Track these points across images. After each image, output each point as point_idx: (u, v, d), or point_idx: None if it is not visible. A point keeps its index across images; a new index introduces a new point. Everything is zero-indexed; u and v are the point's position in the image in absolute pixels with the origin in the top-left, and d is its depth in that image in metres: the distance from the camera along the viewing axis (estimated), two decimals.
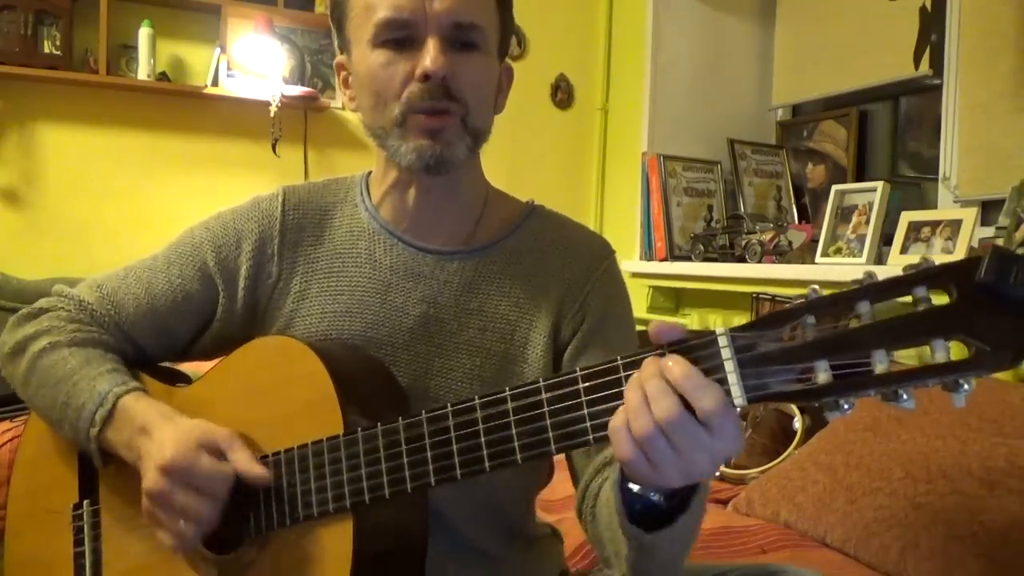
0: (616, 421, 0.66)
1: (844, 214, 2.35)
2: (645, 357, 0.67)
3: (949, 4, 2.32)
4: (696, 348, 0.65)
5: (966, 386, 0.55)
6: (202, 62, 2.82)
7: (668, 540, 0.74)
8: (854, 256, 2.25)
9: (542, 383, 0.72)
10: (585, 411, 0.70)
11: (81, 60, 2.66)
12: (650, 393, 0.64)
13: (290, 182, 1.06)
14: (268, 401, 0.87)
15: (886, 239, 2.22)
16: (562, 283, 0.97)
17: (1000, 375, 1.66)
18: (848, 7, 2.71)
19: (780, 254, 2.45)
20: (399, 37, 0.88)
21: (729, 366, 0.63)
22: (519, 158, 3.09)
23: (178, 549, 0.83)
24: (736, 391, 0.63)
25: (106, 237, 2.72)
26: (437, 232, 0.98)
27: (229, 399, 0.90)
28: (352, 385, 0.84)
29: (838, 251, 2.32)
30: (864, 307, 0.58)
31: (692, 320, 2.91)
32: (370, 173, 1.04)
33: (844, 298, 0.59)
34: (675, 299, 3.05)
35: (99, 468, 0.93)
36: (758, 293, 2.36)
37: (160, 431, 0.84)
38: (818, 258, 2.35)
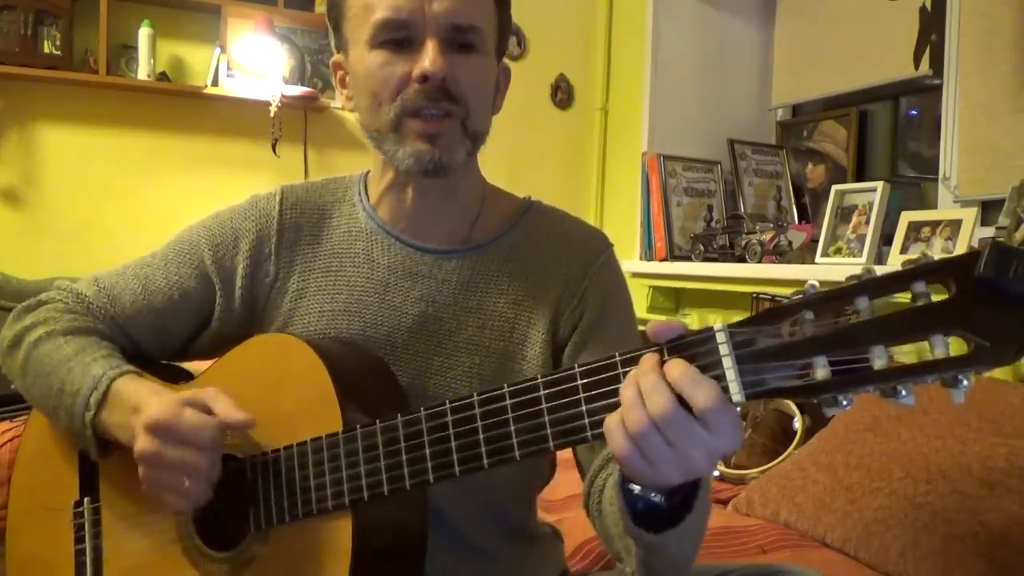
0: (612, 418, 0.66)
1: (844, 214, 2.35)
2: (643, 354, 0.67)
3: (949, 4, 2.31)
4: (694, 344, 0.65)
5: (965, 382, 0.55)
6: (202, 62, 2.82)
7: (676, 541, 0.73)
8: (854, 256, 2.25)
9: (540, 380, 0.72)
10: (583, 408, 0.69)
11: (81, 60, 2.66)
12: (644, 389, 0.64)
13: (290, 182, 1.06)
14: (267, 398, 0.87)
15: (886, 239, 2.22)
16: (560, 279, 0.97)
17: (999, 375, 1.66)
18: (848, 7, 2.71)
19: (780, 254, 2.45)
20: (397, 38, 0.87)
21: (727, 362, 0.63)
22: (519, 158, 3.09)
23: (185, 508, 0.83)
24: (734, 387, 0.63)
25: (106, 237, 2.72)
26: (435, 232, 0.98)
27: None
28: (351, 382, 0.84)
29: (838, 251, 2.32)
30: (863, 302, 0.58)
31: (692, 320, 2.91)
32: (368, 173, 1.04)
33: (843, 294, 0.59)
34: (675, 299, 3.05)
35: (96, 460, 0.92)
36: (758, 293, 2.36)
37: (150, 404, 0.84)
38: (818, 258, 2.35)
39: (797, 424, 1.94)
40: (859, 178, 2.68)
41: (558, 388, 0.71)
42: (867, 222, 2.25)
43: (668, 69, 3.04)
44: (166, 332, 1.00)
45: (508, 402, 0.73)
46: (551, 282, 0.97)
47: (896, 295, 0.57)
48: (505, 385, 0.74)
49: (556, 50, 3.30)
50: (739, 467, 1.93)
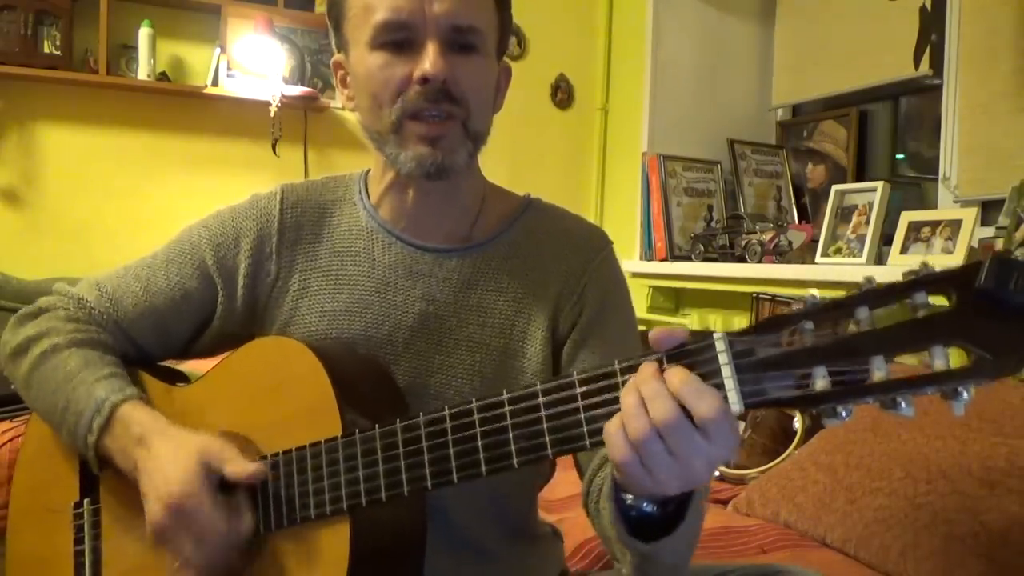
0: (611, 425, 0.66)
1: (844, 214, 2.35)
2: (642, 361, 0.67)
3: (949, 4, 2.32)
4: (694, 353, 0.65)
5: (965, 394, 0.55)
6: (202, 62, 2.82)
7: (670, 548, 0.73)
8: (854, 256, 2.25)
9: (539, 387, 0.71)
10: (582, 415, 0.69)
11: (81, 60, 2.66)
12: (646, 396, 0.64)
13: (290, 182, 1.05)
14: (267, 402, 0.87)
15: (886, 239, 2.22)
16: (559, 277, 0.97)
17: None
18: (848, 7, 2.71)
19: (780, 254, 2.45)
20: (397, 39, 0.87)
21: (726, 371, 0.63)
22: (519, 158, 3.09)
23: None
24: (733, 396, 0.62)
25: (106, 237, 2.72)
26: (436, 231, 0.98)
27: (228, 400, 0.90)
28: (350, 386, 0.84)
29: (838, 251, 2.32)
30: (863, 313, 0.57)
31: (692, 320, 2.91)
32: (368, 171, 1.04)
33: (843, 304, 0.58)
34: (675, 299, 3.05)
35: (96, 473, 0.93)
36: (758, 293, 2.36)
37: (158, 446, 0.84)
38: (818, 258, 2.35)
39: (797, 424, 1.94)
40: (859, 178, 2.68)
41: (556, 396, 0.70)
42: (867, 222, 2.25)
43: (668, 69, 3.04)
44: (168, 333, 1.00)
45: (507, 409, 0.73)
46: (551, 279, 0.97)
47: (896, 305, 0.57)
48: (504, 392, 0.73)
49: (556, 50, 3.30)
50: (739, 467, 1.93)
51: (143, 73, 2.67)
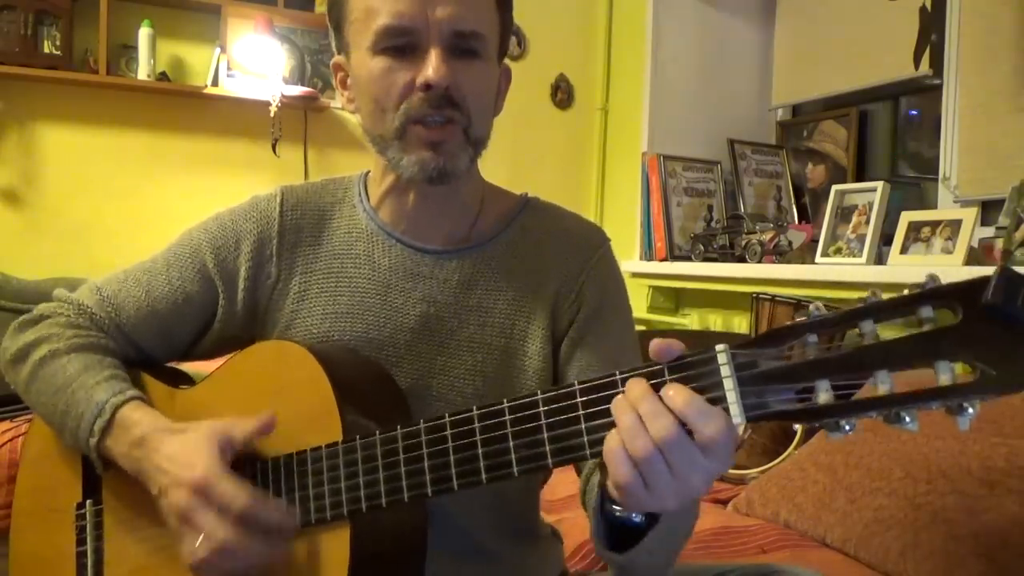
0: (612, 443, 0.65)
1: (844, 214, 2.35)
2: (643, 372, 0.66)
3: (949, 4, 2.32)
4: (696, 365, 0.64)
5: (971, 410, 0.54)
6: (202, 62, 2.82)
7: (645, 555, 0.74)
8: (854, 256, 2.25)
9: (540, 396, 0.71)
10: (582, 426, 0.69)
11: (81, 60, 2.66)
12: (644, 413, 0.63)
13: (290, 182, 1.05)
14: (268, 406, 0.86)
15: (886, 239, 2.22)
16: (558, 275, 0.98)
17: None
18: (848, 7, 2.71)
19: (780, 254, 2.45)
20: (399, 44, 0.87)
21: (728, 384, 0.62)
22: (519, 158, 3.09)
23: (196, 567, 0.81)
24: (735, 409, 0.62)
25: (106, 237, 2.72)
26: (436, 233, 0.98)
27: (229, 404, 0.90)
28: (351, 389, 0.84)
29: (838, 251, 2.32)
30: (868, 326, 0.57)
31: (692, 320, 2.91)
32: (368, 173, 1.04)
33: (847, 316, 0.58)
34: (675, 299, 3.05)
35: (100, 474, 0.93)
36: (758, 293, 2.36)
37: (169, 442, 0.83)
38: (818, 258, 2.35)
39: (797, 425, 1.94)
40: (859, 178, 2.68)
41: (557, 405, 0.70)
42: (867, 222, 2.25)
43: (668, 69, 3.04)
44: (170, 336, 1.00)
45: (507, 417, 0.72)
46: (549, 278, 0.98)
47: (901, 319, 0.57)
48: (504, 400, 0.73)
49: (556, 50, 3.30)
50: (739, 467, 1.93)
51: (143, 73, 2.67)
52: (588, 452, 0.69)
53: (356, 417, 0.82)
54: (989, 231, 2.01)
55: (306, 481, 0.82)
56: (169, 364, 1.05)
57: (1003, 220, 1.90)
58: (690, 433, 0.63)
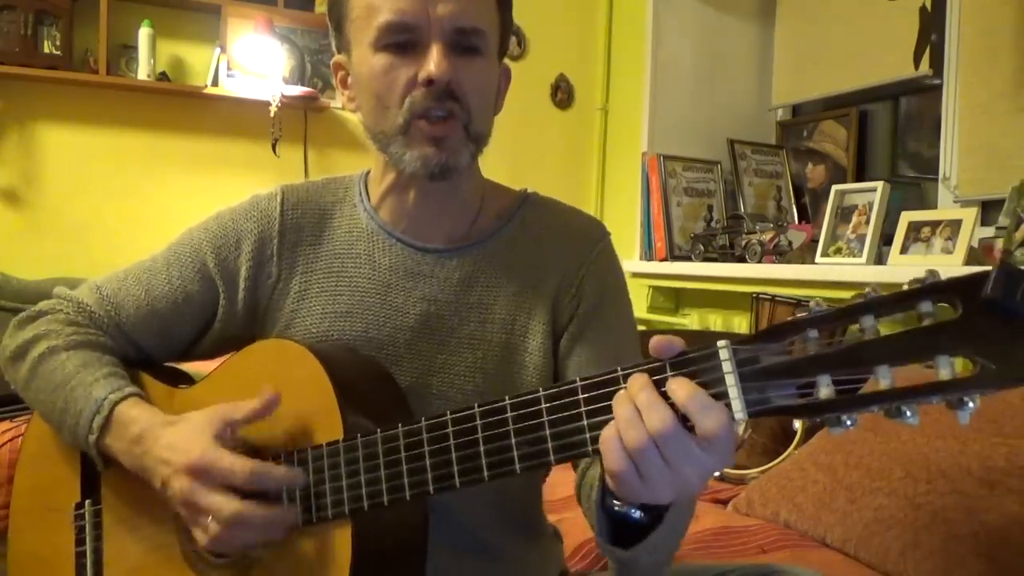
0: (607, 433, 0.66)
1: (844, 214, 2.35)
2: (644, 368, 0.66)
3: (949, 4, 2.32)
4: (697, 360, 0.64)
5: (971, 404, 0.54)
6: (202, 62, 2.82)
7: (647, 553, 0.74)
8: (854, 256, 2.25)
9: (542, 393, 0.71)
10: (584, 422, 0.69)
11: (81, 60, 2.66)
12: (641, 405, 0.64)
13: (290, 182, 1.05)
14: None
15: (886, 239, 2.22)
16: (558, 270, 0.98)
17: None
18: (848, 7, 2.71)
19: (780, 254, 2.45)
20: (401, 41, 0.87)
21: (730, 379, 0.62)
22: (519, 158, 3.09)
23: (213, 547, 0.82)
24: (737, 405, 0.62)
25: (106, 237, 2.72)
26: (436, 232, 0.98)
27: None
28: (352, 388, 0.84)
29: (838, 251, 2.32)
30: (868, 321, 0.57)
31: (692, 320, 2.91)
32: (368, 172, 1.04)
33: (847, 312, 0.58)
34: (675, 299, 3.05)
35: (101, 471, 0.93)
36: (758, 293, 2.36)
37: (169, 434, 0.83)
38: (818, 258, 2.35)
39: (797, 424, 1.94)
40: (859, 178, 2.68)
41: (560, 401, 0.70)
42: (867, 222, 2.25)
43: (668, 69, 3.04)
44: (170, 335, 1.00)
45: (509, 414, 0.72)
46: (549, 273, 0.98)
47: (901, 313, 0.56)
48: (507, 397, 0.73)
49: (556, 50, 3.30)
50: (739, 467, 1.93)
51: (143, 73, 2.67)
52: (590, 448, 0.69)
53: (357, 416, 0.82)
54: (989, 231, 2.01)
55: (307, 480, 0.82)
56: (169, 364, 1.05)
57: (1003, 220, 1.91)
58: (691, 428, 0.63)
